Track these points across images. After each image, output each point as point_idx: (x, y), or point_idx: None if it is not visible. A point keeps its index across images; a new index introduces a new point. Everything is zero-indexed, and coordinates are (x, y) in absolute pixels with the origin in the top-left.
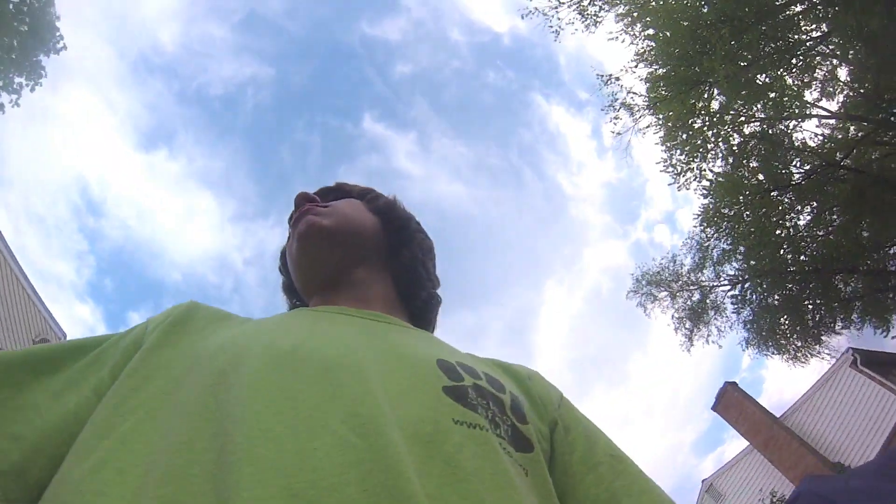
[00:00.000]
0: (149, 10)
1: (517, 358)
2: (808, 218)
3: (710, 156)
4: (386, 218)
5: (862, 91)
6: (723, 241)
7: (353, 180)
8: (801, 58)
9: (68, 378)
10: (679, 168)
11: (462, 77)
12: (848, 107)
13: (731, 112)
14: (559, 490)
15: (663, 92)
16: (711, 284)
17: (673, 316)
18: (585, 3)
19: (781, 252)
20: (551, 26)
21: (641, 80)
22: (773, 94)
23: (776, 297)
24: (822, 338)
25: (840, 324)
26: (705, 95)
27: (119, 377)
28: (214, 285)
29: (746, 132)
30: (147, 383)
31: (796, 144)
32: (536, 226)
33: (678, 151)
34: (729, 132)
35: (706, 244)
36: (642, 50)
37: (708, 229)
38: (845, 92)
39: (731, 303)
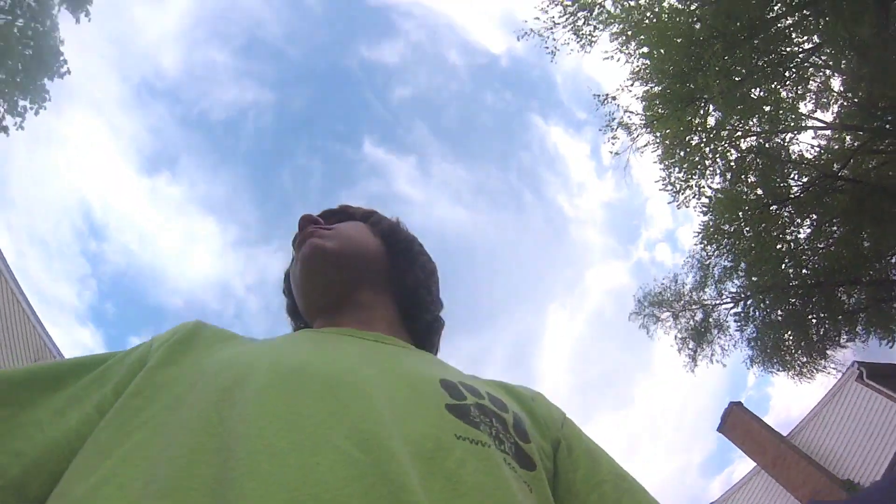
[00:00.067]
0: (151, 35)
1: (520, 382)
2: (809, 231)
3: (708, 172)
4: (389, 241)
5: (856, 100)
6: (724, 258)
7: (355, 205)
8: (793, 70)
9: (71, 395)
10: (678, 186)
11: (461, 99)
12: (843, 117)
13: (728, 127)
14: None
15: (659, 110)
16: (714, 303)
17: (676, 336)
18: (580, 23)
19: (783, 267)
20: (547, 47)
21: (637, 98)
22: (768, 108)
23: (779, 312)
24: (828, 352)
25: (845, 336)
26: (701, 112)
27: (123, 395)
28: (216, 311)
29: (743, 147)
30: (151, 402)
31: (793, 157)
32: (538, 248)
33: (676, 169)
34: (726, 148)
35: (707, 262)
36: (637, 68)
37: (708, 247)
38: (839, 102)
39: (734, 320)
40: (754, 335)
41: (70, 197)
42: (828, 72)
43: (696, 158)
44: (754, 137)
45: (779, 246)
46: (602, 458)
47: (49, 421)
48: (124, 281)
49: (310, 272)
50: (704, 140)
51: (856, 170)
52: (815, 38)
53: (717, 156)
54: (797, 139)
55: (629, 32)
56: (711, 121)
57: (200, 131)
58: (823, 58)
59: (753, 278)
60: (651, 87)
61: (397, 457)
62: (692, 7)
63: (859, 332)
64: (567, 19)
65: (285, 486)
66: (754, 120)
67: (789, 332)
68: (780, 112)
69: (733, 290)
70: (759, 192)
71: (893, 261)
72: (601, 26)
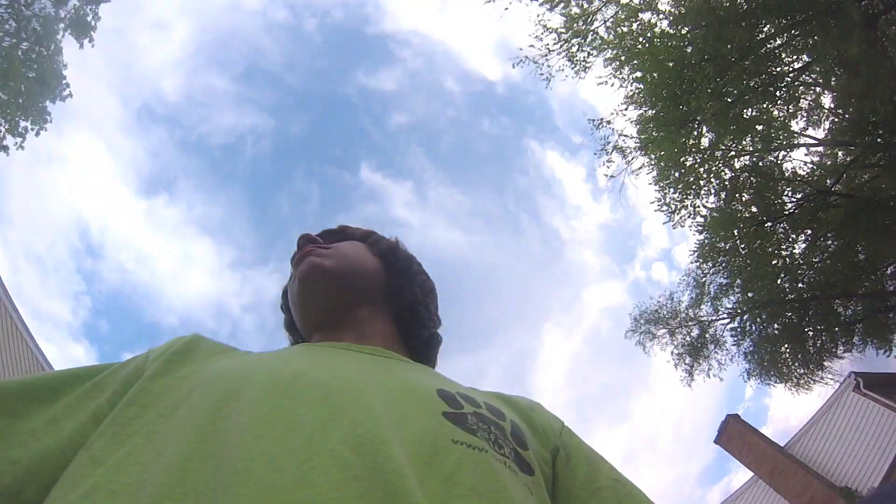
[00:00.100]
0: (153, 61)
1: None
2: (804, 245)
3: (702, 192)
4: (388, 260)
5: (847, 117)
6: (720, 275)
7: (354, 226)
8: (784, 89)
9: (66, 405)
10: (673, 206)
11: (457, 125)
12: (834, 133)
13: (722, 147)
14: None
15: (654, 133)
16: (710, 319)
17: (672, 352)
18: (574, 49)
19: (779, 281)
20: (542, 73)
21: (632, 121)
22: (760, 127)
23: (776, 326)
24: (825, 363)
25: (842, 348)
26: (695, 133)
27: (118, 405)
28: (211, 330)
29: (737, 166)
30: (146, 410)
31: (787, 174)
32: (534, 270)
33: (671, 190)
34: (720, 167)
35: (703, 280)
36: (631, 92)
37: (704, 265)
38: (830, 119)
39: (731, 335)
40: (751, 349)
41: (67, 216)
42: (818, 89)
43: (691, 179)
44: (748, 156)
45: (774, 261)
46: (601, 464)
47: (43, 430)
48: (119, 298)
49: (308, 290)
50: (699, 161)
51: (849, 184)
52: (805, 57)
53: (712, 175)
54: (790, 156)
55: (622, 58)
56: (705, 141)
57: (199, 155)
58: (813, 76)
59: (749, 294)
60: (645, 111)
61: (394, 460)
62: (683, 31)
63: (856, 342)
64: (561, 46)
65: (280, 491)
66: (747, 139)
67: (786, 345)
68: (773, 131)
69: (729, 306)
70: (754, 209)
71: (889, 272)
72: (595, 52)
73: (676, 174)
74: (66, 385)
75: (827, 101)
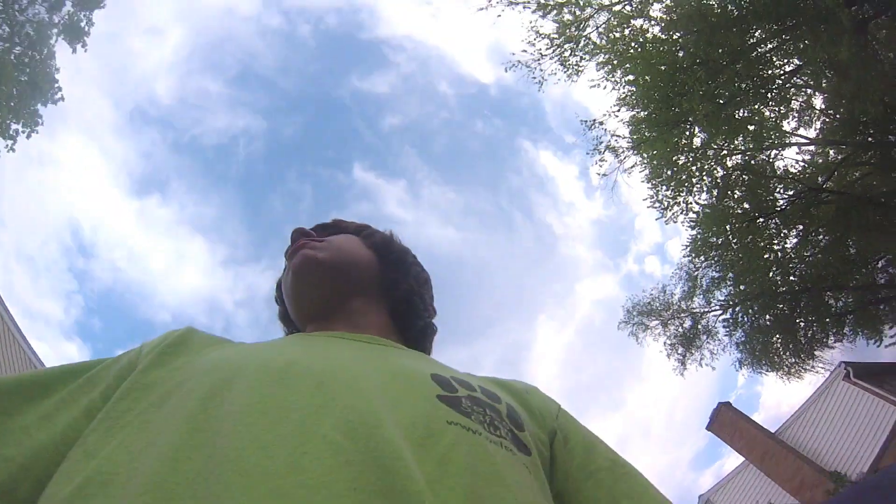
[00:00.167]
0: (147, 65)
1: None
2: (795, 240)
3: (695, 189)
4: (382, 252)
5: (837, 116)
6: (712, 269)
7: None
8: (776, 91)
9: (59, 401)
10: (666, 203)
11: (450, 127)
12: (826, 133)
13: (714, 147)
14: (562, 498)
15: (646, 133)
16: (702, 310)
17: (665, 343)
18: (566, 54)
19: (770, 275)
20: (534, 77)
21: (624, 122)
22: (752, 127)
23: (768, 317)
24: (816, 353)
25: (832, 338)
26: (687, 133)
27: (111, 399)
28: (205, 325)
29: (729, 164)
30: (138, 402)
31: (778, 172)
32: (528, 265)
33: (664, 187)
34: (712, 166)
35: (695, 273)
36: (623, 95)
37: (697, 259)
38: (822, 119)
39: (723, 326)
40: (743, 339)
41: (59, 216)
42: (809, 91)
43: (683, 177)
44: (740, 155)
45: (766, 255)
46: (598, 445)
47: (37, 426)
48: (112, 296)
49: (301, 282)
50: (691, 159)
51: (840, 182)
52: (796, 61)
53: (704, 173)
54: (782, 155)
55: (615, 62)
56: (697, 141)
57: (192, 156)
58: (804, 78)
59: (741, 287)
60: (637, 112)
61: (388, 443)
62: (675, 36)
63: (847, 333)
64: (554, 51)
65: (271, 476)
66: (739, 139)
67: (778, 336)
68: (765, 131)
69: (721, 298)
70: (746, 206)
71: (880, 265)
72: (587, 56)
73: (669, 172)
74: (59, 381)
75: (818, 102)
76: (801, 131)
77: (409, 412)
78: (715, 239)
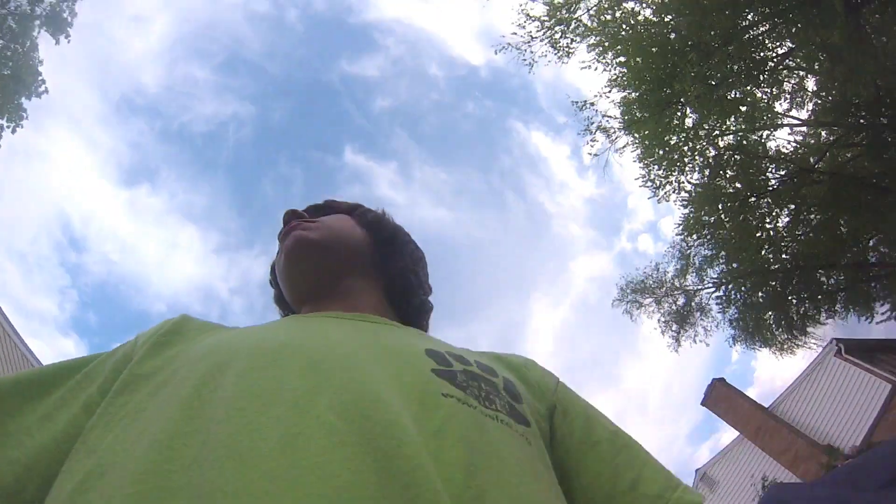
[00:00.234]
0: (132, 54)
1: None
2: (787, 219)
3: (687, 169)
4: (374, 231)
5: (830, 99)
6: (705, 247)
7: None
8: (768, 73)
9: (57, 399)
10: (658, 182)
11: (441, 109)
12: (818, 114)
13: (705, 127)
14: (563, 471)
15: (637, 114)
16: (696, 288)
17: (659, 320)
18: (557, 36)
19: (763, 253)
20: (525, 59)
21: (615, 104)
22: (744, 108)
23: (760, 295)
24: (808, 329)
25: (824, 315)
26: (678, 114)
27: (109, 393)
28: (200, 314)
29: (721, 145)
30: (135, 394)
31: (770, 153)
32: (521, 244)
33: (656, 167)
34: (704, 146)
35: (688, 252)
36: (615, 76)
37: (689, 237)
38: (814, 101)
39: (716, 303)
40: (736, 316)
41: (48, 211)
42: (802, 73)
43: (675, 156)
44: (732, 135)
45: (758, 234)
46: (597, 418)
47: (38, 426)
48: (106, 290)
49: (294, 263)
50: (683, 139)
51: (831, 162)
52: (789, 43)
53: (696, 153)
54: (774, 136)
55: (606, 44)
56: (689, 122)
57: (181, 144)
58: (797, 60)
59: (734, 265)
60: (629, 93)
61: (383, 422)
62: (667, 19)
63: (838, 310)
64: (544, 34)
65: (264, 459)
66: (731, 120)
67: (770, 313)
68: (757, 112)
69: (714, 276)
70: (738, 185)
71: (871, 244)
72: (578, 38)
73: (661, 152)
74: (57, 379)
75: (810, 84)
76: (793, 113)
77: (404, 387)
78: (707, 218)
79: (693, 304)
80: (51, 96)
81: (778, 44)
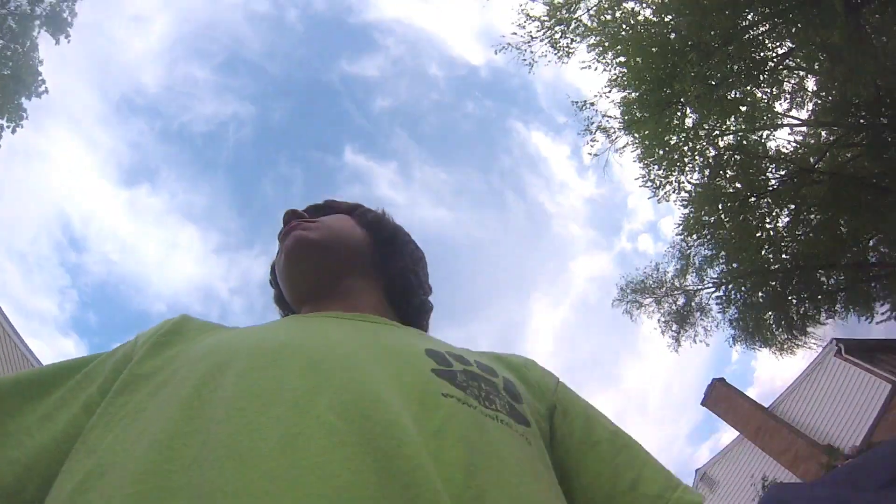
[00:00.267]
0: (132, 54)
1: None
2: (787, 219)
3: (687, 169)
4: (374, 231)
5: (830, 99)
6: (705, 247)
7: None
8: (768, 73)
9: (57, 399)
10: (658, 182)
11: (441, 109)
12: (818, 114)
13: (705, 127)
14: (563, 471)
15: (637, 114)
16: (696, 288)
17: (659, 320)
18: (557, 36)
19: (763, 253)
20: (525, 59)
21: (615, 103)
22: (744, 108)
23: (760, 294)
24: (808, 329)
25: (824, 315)
26: (678, 114)
27: (109, 393)
28: (200, 314)
29: (721, 145)
30: (135, 395)
31: (770, 153)
32: (521, 244)
33: (656, 167)
34: (704, 146)
35: (688, 252)
36: (615, 76)
37: (689, 237)
38: (814, 101)
39: (716, 303)
40: (736, 316)
41: (48, 211)
42: (802, 73)
43: (675, 156)
44: (732, 135)
45: (758, 234)
46: (597, 418)
47: (38, 426)
48: (106, 290)
49: (293, 263)
50: (683, 139)
51: (831, 162)
52: (789, 43)
53: (696, 153)
54: (774, 136)
55: (606, 44)
56: (689, 121)
57: (181, 144)
58: (797, 60)
59: (734, 265)
60: (629, 93)
61: (382, 422)
62: (667, 19)
63: (838, 310)
64: (544, 34)
65: (264, 459)
66: (731, 120)
67: (770, 313)
68: (757, 112)
69: (714, 275)
70: (738, 185)
71: (871, 244)
72: (578, 39)
73: (661, 152)
74: (57, 379)
75: (811, 84)
76: (794, 113)
77: (404, 387)
78: (707, 217)
79: (693, 304)
80: (51, 96)
81: (778, 44)
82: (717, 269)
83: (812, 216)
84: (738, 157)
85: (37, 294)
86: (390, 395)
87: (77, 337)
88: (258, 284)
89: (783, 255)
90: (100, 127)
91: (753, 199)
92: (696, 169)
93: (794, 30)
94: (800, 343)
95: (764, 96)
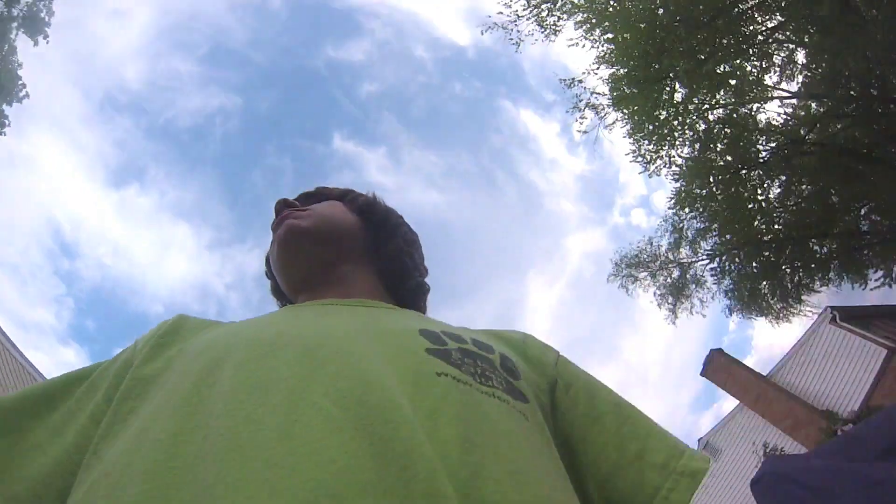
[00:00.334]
0: (113, 50)
1: None
2: (779, 190)
3: (677, 143)
4: (366, 215)
5: (820, 71)
6: (697, 220)
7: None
8: (757, 47)
9: (65, 411)
10: (648, 157)
11: (429, 91)
12: (808, 86)
13: (695, 101)
14: (568, 445)
15: (626, 90)
16: (690, 260)
17: (655, 293)
18: (543, 14)
19: (755, 224)
20: (511, 39)
21: (604, 80)
22: (733, 82)
23: (754, 265)
24: (803, 297)
25: (818, 283)
26: (667, 89)
27: (114, 400)
28: (198, 312)
29: (711, 118)
30: (140, 399)
31: (761, 125)
32: (514, 222)
33: (646, 142)
34: (694, 120)
35: (681, 225)
36: (603, 53)
37: (682, 211)
38: (804, 73)
39: (711, 275)
40: (731, 287)
41: (37, 218)
42: (791, 46)
43: (665, 131)
44: (721, 109)
45: (750, 206)
46: (600, 390)
47: (48, 441)
48: (102, 294)
49: (287, 252)
50: (672, 114)
51: (822, 134)
52: (778, 17)
53: (686, 127)
54: (764, 108)
55: (593, 20)
56: (678, 96)
57: (167, 140)
58: (787, 34)
59: (727, 236)
60: (617, 70)
61: (378, 406)
62: None
63: (832, 277)
64: (530, 12)
65: (263, 448)
66: (721, 93)
67: (765, 282)
68: (746, 85)
69: (708, 247)
70: (729, 158)
71: (862, 213)
72: (565, 16)
73: (650, 127)
74: (63, 391)
75: (800, 56)
76: (783, 85)
77: (398, 368)
78: (699, 191)
79: (688, 276)
80: (31, 101)
81: (767, 17)
82: (710, 241)
83: (803, 187)
84: (728, 131)
85: (33, 305)
86: (385, 377)
87: (77, 345)
88: (253, 278)
89: (776, 226)
90: (84, 128)
91: (744, 171)
92: (687, 143)
93: (783, 3)
94: (795, 311)
95: (753, 70)
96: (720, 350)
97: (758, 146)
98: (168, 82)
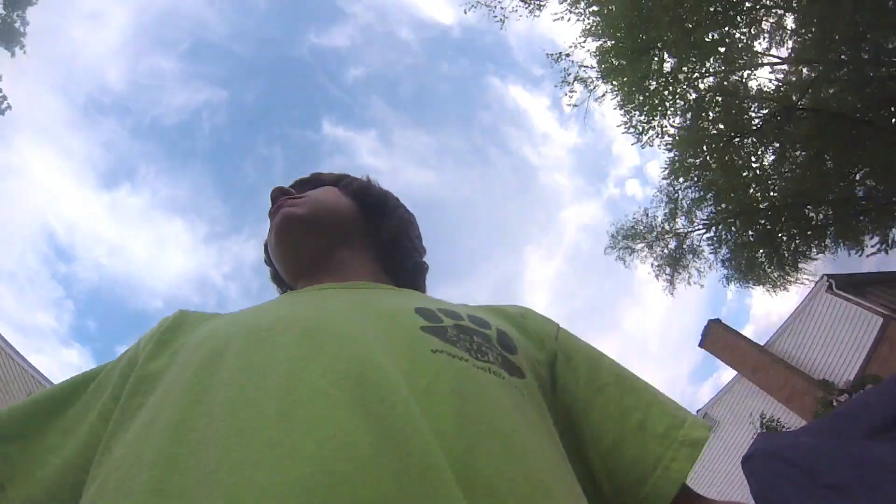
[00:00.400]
0: (93, 53)
1: None
2: (773, 157)
3: (669, 113)
4: (361, 199)
5: (809, 35)
6: (692, 189)
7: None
8: (745, 14)
9: (75, 413)
10: (640, 128)
11: (416, 72)
12: (798, 52)
13: (684, 71)
14: (570, 418)
15: (614, 62)
16: (686, 230)
17: (652, 264)
18: None
19: (750, 192)
20: (496, 16)
21: (591, 53)
22: (722, 49)
23: (750, 233)
24: (799, 265)
25: (815, 250)
26: (656, 59)
27: (121, 397)
28: (198, 305)
29: (702, 87)
30: (146, 395)
31: (752, 92)
32: (509, 198)
33: (637, 113)
34: (685, 89)
35: (676, 195)
36: (589, 25)
37: (676, 181)
38: (794, 38)
39: (707, 244)
40: (728, 256)
41: (31, 225)
42: (780, 11)
43: (656, 101)
44: (712, 77)
45: (745, 174)
46: (601, 361)
47: (60, 443)
48: (101, 295)
49: (283, 240)
50: (662, 84)
51: (814, 99)
52: None
53: (677, 97)
54: (755, 75)
55: None
56: (668, 66)
57: (155, 139)
58: None
59: (723, 205)
60: (604, 42)
61: (373, 384)
62: None
63: (829, 244)
64: None
65: (263, 429)
66: (710, 61)
67: (761, 251)
68: (735, 52)
69: (704, 217)
70: (721, 126)
71: (857, 178)
72: None
73: (641, 98)
74: (72, 394)
75: (789, 21)
76: (773, 51)
77: (394, 347)
78: (693, 160)
79: (685, 246)
80: (13, 112)
81: None
82: (705, 210)
83: (797, 153)
84: (719, 99)
85: (33, 310)
86: (380, 356)
87: (79, 346)
88: (251, 267)
89: (771, 193)
90: (70, 133)
91: (738, 139)
92: (679, 112)
93: None
94: (792, 279)
95: (742, 36)
96: (718, 321)
97: (750, 113)
98: (151, 81)
